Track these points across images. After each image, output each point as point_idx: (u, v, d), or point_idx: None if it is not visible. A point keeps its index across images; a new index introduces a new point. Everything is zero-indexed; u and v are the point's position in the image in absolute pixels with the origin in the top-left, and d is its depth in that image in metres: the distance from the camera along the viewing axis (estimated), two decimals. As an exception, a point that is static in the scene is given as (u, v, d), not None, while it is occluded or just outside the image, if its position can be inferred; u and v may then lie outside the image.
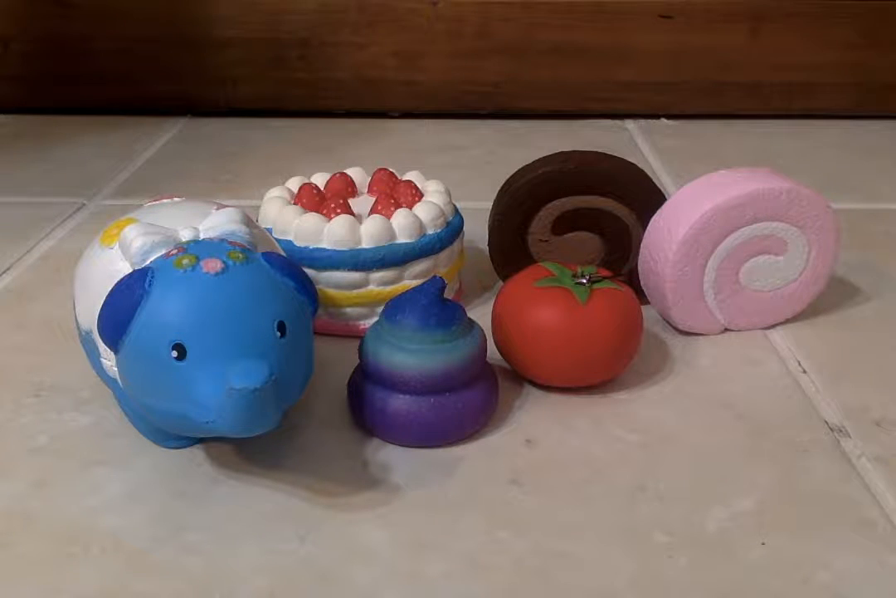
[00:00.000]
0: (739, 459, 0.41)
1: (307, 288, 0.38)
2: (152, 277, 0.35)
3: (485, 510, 0.38)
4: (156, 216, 0.41)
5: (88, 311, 0.39)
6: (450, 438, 0.42)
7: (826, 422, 0.44)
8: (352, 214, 0.49)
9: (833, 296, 0.55)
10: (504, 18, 0.89)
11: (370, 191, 0.54)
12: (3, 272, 0.60)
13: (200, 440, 0.42)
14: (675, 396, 0.46)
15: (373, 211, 0.50)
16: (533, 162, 0.53)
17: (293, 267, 0.38)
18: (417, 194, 0.52)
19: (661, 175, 0.78)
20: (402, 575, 0.35)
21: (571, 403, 0.45)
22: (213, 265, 0.35)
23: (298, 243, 0.49)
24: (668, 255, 0.48)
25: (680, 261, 0.48)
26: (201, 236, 0.39)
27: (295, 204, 0.51)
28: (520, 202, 0.52)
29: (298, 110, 0.94)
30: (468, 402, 0.41)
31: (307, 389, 0.39)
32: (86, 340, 0.41)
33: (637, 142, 0.88)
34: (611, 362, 0.45)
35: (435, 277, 0.41)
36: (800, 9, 0.88)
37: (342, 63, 0.91)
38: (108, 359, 0.38)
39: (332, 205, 0.50)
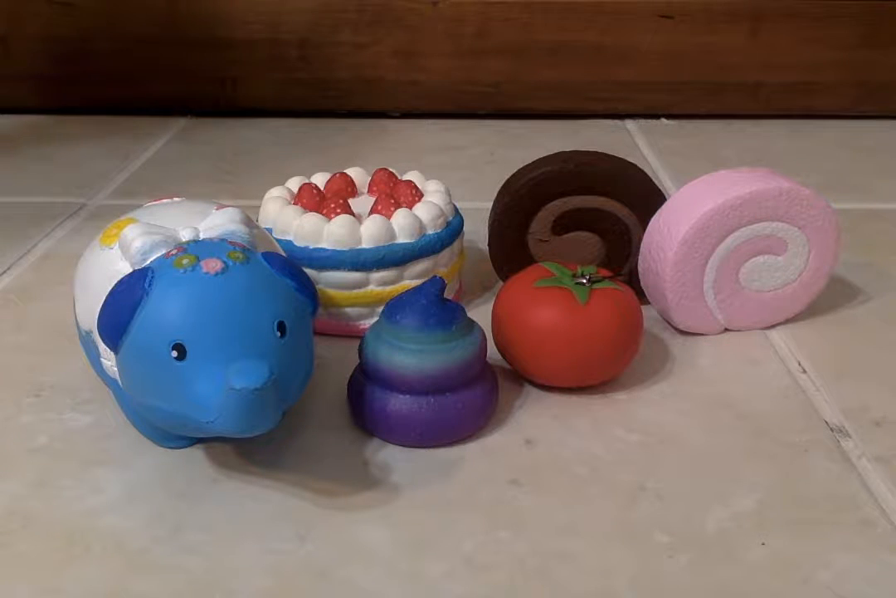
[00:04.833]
0: (739, 459, 0.41)
1: (307, 288, 0.38)
2: (152, 277, 0.35)
3: (485, 510, 0.38)
4: (156, 216, 0.41)
5: (88, 311, 0.39)
6: (450, 438, 0.42)
7: (826, 422, 0.44)
8: (352, 214, 0.49)
9: (833, 296, 0.55)
10: (504, 18, 0.89)
11: (370, 191, 0.54)
12: (3, 272, 0.60)
13: (200, 440, 0.42)
14: (675, 396, 0.46)
15: (373, 211, 0.50)
16: (533, 162, 0.53)
17: (293, 267, 0.38)
18: (417, 194, 0.52)
19: (661, 175, 0.78)
20: (402, 575, 0.35)
21: (571, 403, 0.45)
22: (213, 265, 0.35)
23: (298, 243, 0.49)
24: (668, 255, 0.48)
25: (680, 261, 0.48)
26: (201, 236, 0.39)
27: (295, 204, 0.51)
28: (520, 202, 0.52)
29: (298, 110, 0.94)
30: (468, 402, 0.41)
31: (307, 389, 0.39)
32: (86, 340, 0.41)
33: (637, 142, 0.88)
34: (611, 363, 0.45)
35: (435, 277, 0.41)
36: (800, 9, 0.88)
37: (342, 63, 0.91)
38: (108, 359, 0.38)
39: (332, 205, 0.50)
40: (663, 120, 0.94)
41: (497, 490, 0.39)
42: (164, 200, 0.45)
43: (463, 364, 0.40)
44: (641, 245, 0.51)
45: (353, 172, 0.55)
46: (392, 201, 0.50)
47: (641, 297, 0.49)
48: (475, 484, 0.40)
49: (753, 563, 0.35)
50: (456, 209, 0.53)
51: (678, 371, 0.48)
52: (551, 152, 0.53)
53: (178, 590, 0.34)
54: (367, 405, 0.41)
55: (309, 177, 0.55)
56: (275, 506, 0.38)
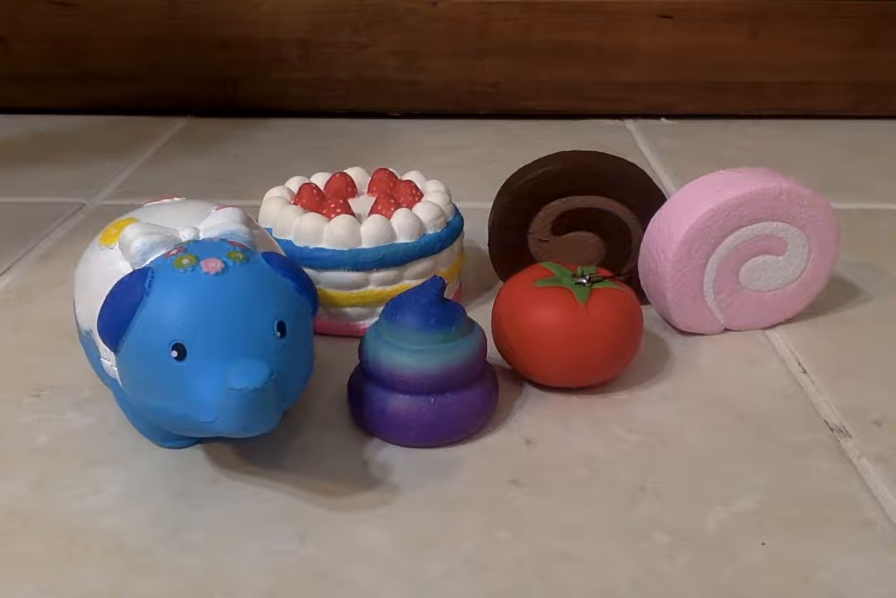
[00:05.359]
0: (739, 459, 0.41)
1: (307, 288, 0.38)
2: (152, 277, 0.35)
3: (485, 510, 0.38)
4: (156, 216, 0.41)
5: (88, 311, 0.39)
6: (450, 438, 0.42)
7: (826, 422, 0.44)
8: (352, 214, 0.49)
9: (833, 296, 0.55)
10: (504, 18, 0.89)
11: (370, 191, 0.54)
12: (3, 272, 0.60)
13: (200, 440, 0.42)
14: (675, 396, 0.46)
15: (373, 211, 0.50)
16: (533, 162, 0.53)
17: (293, 267, 0.38)
18: (417, 194, 0.52)
19: (661, 175, 0.78)
20: (402, 575, 0.35)
21: (571, 403, 0.45)
22: (213, 265, 0.35)
23: (298, 243, 0.49)
24: (668, 255, 0.48)
25: (680, 261, 0.48)
26: (201, 236, 0.39)
27: (295, 204, 0.51)
28: (520, 202, 0.52)
29: (298, 110, 0.94)
30: (468, 402, 0.41)
31: (307, 389, 0.39)
32: (86, 340, 0.41)
33: (637, 142, 0.88)
34: (611, 363, 0.45)
35: (435, 277, 0.41)
36: (800, 9, 0.88)
37: (342, 63, 0.91)
38: (108, 359, 0.38)
39: (332, 205, 0.50)
40: (663, 120, 0.94)
41: (497, 490, 0.39)
42: (164, 200, 0.45)
43: (463, 364, 0.40)
44: (641, 245, 0.51)
45: (353, 172, 0.55)
46: (392, 201, 0.50)
47: (641, 297, 0.49)
48: (475, 484, 0.40)
49: (753, 563, 0.35)
50: (456, 209, 0.53)
51: (678, 371, 0.48)
52: (551, 152, 0.53)
53: (178, 590, 0.34)
54: (367, 405, 0.41)
55: (309, 177, 0.55)
56: (275, 506, 0.38)
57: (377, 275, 0.49)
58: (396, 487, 0.39)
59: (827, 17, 0.88)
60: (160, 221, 0.39)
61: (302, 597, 0.34)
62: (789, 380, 0.47)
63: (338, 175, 0.54)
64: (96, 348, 0.39)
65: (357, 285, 0.49)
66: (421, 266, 0.50)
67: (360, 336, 0.43)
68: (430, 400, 0.40)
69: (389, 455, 0.41)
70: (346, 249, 0.48)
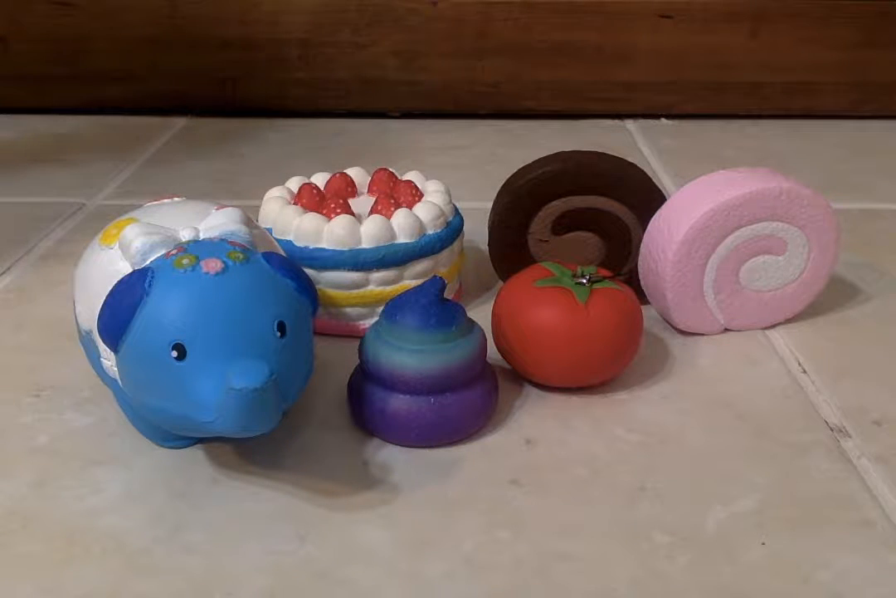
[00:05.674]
0: (739, 459, 0.41)
1: (307, 288, 0.38)
2: (152, 277, 0.35)
3: (485, 510, 0.38)
4: (156, 216, 0.41)
5: (88, 311, 0.39)
6: (450, 438, 0.42)
7: (826, 422, 0.44)
8: (352, 214, 0.49)
9: (833, 296, 0.55)
10: (504, 18, 0.89)
11: (370, 191, 0.54)
12: (3, 272, 0.60)
13: (200, 440, 0.42)
14: (675, 396, 0.46)
15: (373, 211, 0.50)
16: (533, 162, 0.53)
17: (293, 267, 0.38)
18: (417, 194, 0.52)
19: (661, 175, 0.78)
20: (402, 575, 0.35)
21: (571, 403, 0.45)
22: (213, 265, 0.35)
23: (298, 243, 0.49)
24: (668, 255, 0.48)
25: (680, 261, 0.48)
26: (201, 236, 0.39)
27: (295, 204, 0.51)
28: (520, 202, 0.52)
29: (298, 110, 0.94)
30: (468, 402, 0.41)
31: (307, 389, 0.39)
32: (86, 340, 0.41)
33: (637, 142, 0.88)
34: (611, 363, 0.45)
35: (435, 277, 0.41)
36: (800, 9, 0.88)
37: (342, 63, 0.91)
38: (108, 359, 0.38)
39: (332, 205, 0.50)
40: (663, 120, 0.94)
41: (497, 490, 0.39)
42: (164, 200, 0.45)
43: (463, 364, 0.40)
44: (641, 245, 0.51)
45: (353, 172, 0.55)
46: (392, 201, 0.50)
47: (641, 297, 0.49)
48: (475, 484, 0.40)
49: (753, 563, 0.35)
50: (456, 209, 0.53)
51: (678, 371, 0.48)
52: (551, 152, 0.53)
53: (178, 590, 0.34)
54: (367, 405, 0.41)
55: (309, 177, 0.55)
56: (275, 506, 0.38)
57: (377, 275, 0.49)
58: (396, 487, 0.39)
59: (827, 17, 0.88)
60: (160, 221, 0.40)
61: (302, 597, 0.34)
62: (789, 380, 0.47)
63: (338, 175, 0.54)
64: (96, 348, 0.39)
65: (357, 285, 0.49)
66: (421, 266, 0.50)
67: (360, 336, 0.43)
68: (430, 400, 0.40)
69: (389, 455, 0.41)
70: (346, 249, 0.48)
